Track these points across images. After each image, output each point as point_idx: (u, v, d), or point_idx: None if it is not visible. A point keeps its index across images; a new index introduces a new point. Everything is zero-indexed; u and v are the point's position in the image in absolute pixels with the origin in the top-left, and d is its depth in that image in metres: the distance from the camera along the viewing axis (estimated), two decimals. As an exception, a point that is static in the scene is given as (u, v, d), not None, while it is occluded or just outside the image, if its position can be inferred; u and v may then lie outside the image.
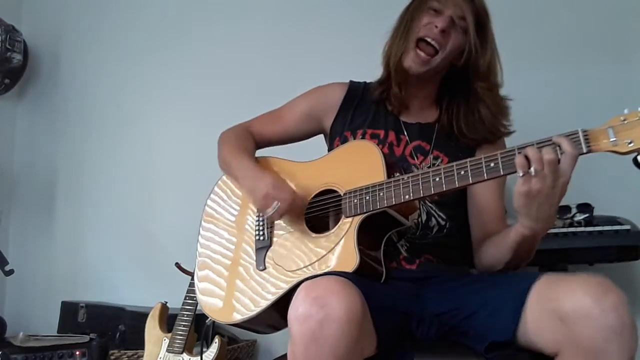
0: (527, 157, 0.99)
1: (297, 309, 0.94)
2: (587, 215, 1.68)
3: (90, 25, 2.71)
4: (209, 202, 1.47)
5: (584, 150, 0.97)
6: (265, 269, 1.28)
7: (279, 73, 2.35)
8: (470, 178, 1.06)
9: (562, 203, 1.67)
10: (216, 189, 1.48)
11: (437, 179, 1.09)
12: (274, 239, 1.30)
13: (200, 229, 1.45)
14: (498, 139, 1.36)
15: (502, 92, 1.36)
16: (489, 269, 1.25)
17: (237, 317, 1.27)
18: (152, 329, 1.84)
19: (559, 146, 0.98)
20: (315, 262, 1.20)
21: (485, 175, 1.04)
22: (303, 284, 0.98)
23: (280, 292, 1.22)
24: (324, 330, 0.91)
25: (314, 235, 1.25)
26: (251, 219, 1.37)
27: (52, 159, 2.70)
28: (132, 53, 2.63)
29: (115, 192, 2.58)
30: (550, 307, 0.98)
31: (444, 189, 1.09)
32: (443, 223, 1.30)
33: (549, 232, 1.66)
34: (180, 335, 1.77)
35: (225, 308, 1.32)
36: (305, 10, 2.40)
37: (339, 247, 1.18)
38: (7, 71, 2.55)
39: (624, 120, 0.95)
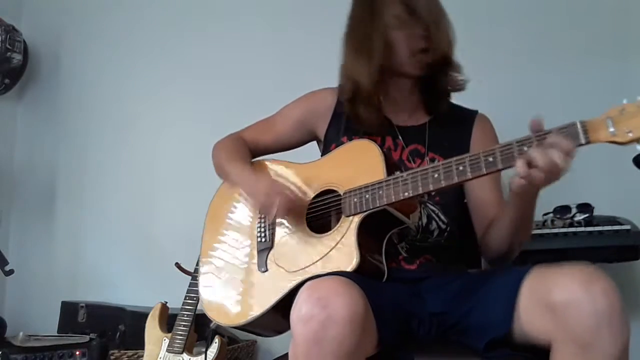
0: (528, 160, 0.98)
1: (299, 309, 0.94)
2: (587, 215, 1.68)
3: (91, 25, 2.72)
4: (211, 206, 1.46)
5: (583, 142, 0.95)
6: (267, 270, 1.27)
7: (280, 73, 2.35)
8: (469, 173, 1.05)
9: (562, 203, 1.70)
10: (218, 193, 1.47)
11: (436, 175, 1.08)
12: (276, 240, 1.30)
13: (203, 232, 1.44)
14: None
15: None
16: (496, 255, 1.25)
17: (241, 320, 1.26)
18: (152, 329, 1.83)
19: (558, 141, 0.96)
20: (316, 262, 1.19)
21: (484, 169, 1.03)
22: (305, 284, 0.98)
23: (282, 293, 1.21)
24: (326, 331, 0.91)
25: (315, 235, 1.24)
26: (252, 222, 1.37)
27: (53, 159, 2.70)
28: (133, 53, 2.63)
29: (115, 192, 2.58)
30: (540, 298, 0.97)
31: (443, 185, 1.08)
32: (444, 227, 1.30)
33: (549, 232, 1.67)
34: (180, 335, 1.76)
35: (229, 311, 1.31)
36: (306, 10, 2.40)
37: (340, 246, 1.17)
38: (7, 71, 2.55)
39: (623, 110, 0.93)
